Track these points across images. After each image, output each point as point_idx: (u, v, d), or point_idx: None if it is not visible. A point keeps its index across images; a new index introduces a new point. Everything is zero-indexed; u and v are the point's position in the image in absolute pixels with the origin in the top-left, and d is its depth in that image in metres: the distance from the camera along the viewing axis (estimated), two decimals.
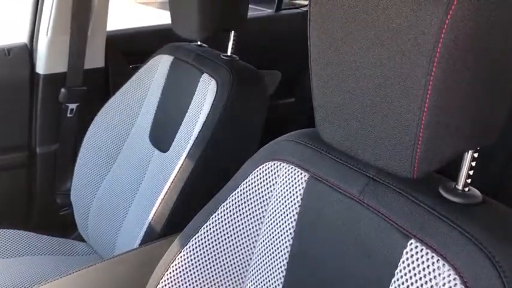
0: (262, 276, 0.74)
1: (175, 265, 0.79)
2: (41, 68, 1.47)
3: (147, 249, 0.98)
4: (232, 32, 1.21)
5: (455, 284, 0.55)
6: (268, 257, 0.74)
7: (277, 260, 0.73)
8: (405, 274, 0.59)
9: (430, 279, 0.57)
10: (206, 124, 1.08)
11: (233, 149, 1.12)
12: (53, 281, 0.92)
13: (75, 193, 1.36)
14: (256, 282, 0.74)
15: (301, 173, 0.71)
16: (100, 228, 1.30)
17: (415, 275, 0.58)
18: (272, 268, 0.73)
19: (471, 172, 0.62)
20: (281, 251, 0.72)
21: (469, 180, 0.62)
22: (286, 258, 0.71)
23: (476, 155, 0.61)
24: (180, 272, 0.79)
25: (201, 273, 0.78)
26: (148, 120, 1.27)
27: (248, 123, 1.15)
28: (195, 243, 0.79)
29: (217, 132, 1.08)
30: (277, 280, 0.72)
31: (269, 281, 0.73)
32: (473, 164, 0.61)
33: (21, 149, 1.50)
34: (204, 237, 0.79)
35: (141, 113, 1.30)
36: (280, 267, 0.72)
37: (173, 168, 1.10)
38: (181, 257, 0.79)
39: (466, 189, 0.62)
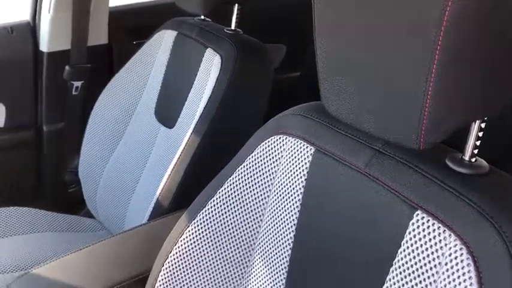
0: (270, 248, 0.74)
1: (184, 239, 0.80)
2: (44, 45, 1.47)
3: (155, 224, 0.98)
4: (236, 5, 1.19)
5: (462, 254, 0.55)
6: (275, 229, 0.75)
7: (284, 232, 0.73)
8: (411, 245, 0.59)
9: (437, 250, 0.57)
10: (211, 99, 1.08)
11: (239, 123, 1.12)
12: (62, 257, 0.93)
13: (83, 170, 1.36)
14: (264, 254, 0.75)
15: (307, 147, 0.71)
16: (108, 204, 1.32)
17: (421, 245, 0.59)
18: (280, 240, 0.73)
19: (478, 143, 0.61)
20: (288, 223, 0.73)
21: (475, 151, 0.61)
22: (293, 230, 0.72)
23: (483, 125, 0.61)
24: (188, 246, 0.80)
25: (209, 246, 0.79)
26: (154, 96, 1.27)
27: (253, 97, 1.14)
28: (203, 217, 0.79)
29: (223, 107, 1.07)
30: (285, 252, 0.72)
31: (277, 253, 0.73)
32: (480, 134, 0.61)
33: (28, 127, 1.51)
34: (212, 212, 0.79)
35: (146, 89, 1.29)
36: (288, 239, 0.72)
37: (180, 144, 1.10)
38: (189, 231, 0.80)
39: (473, 159, 0.61)
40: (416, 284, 0.58)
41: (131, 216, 1.22)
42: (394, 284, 0.60)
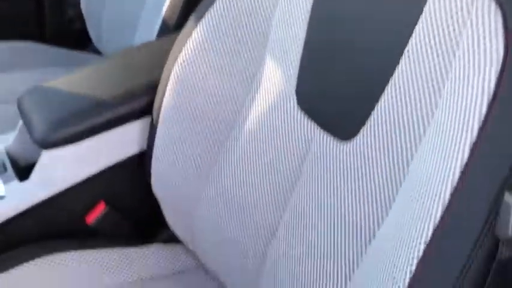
0: (282, 45, 0.73)
1: (193, 39, 0.79)
2: None
3: (164, 39, 0.97)
4: None
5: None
6: (287, 26, 0.73)
7: (296, 26, 0.71)
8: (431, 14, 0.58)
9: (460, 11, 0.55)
10: None
11: None
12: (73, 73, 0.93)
13: (84, 4, 1.33)
14: (274, 51, 0.74)
15: None
16: (114, 38, 1.29)
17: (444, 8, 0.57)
18: (291, 36, 0.72)
19: None
20: (300, 17, 0.71)
21: None
22: (305, 24, 0.70)
23: None
24: (197, 45, 0.79)
25: (219, 47, 0.78)
26: None
27: None
28: (212, 15, 0.77)
29: None
30: (297, 47, 0.71)
31: (288, 49, 0.72)
32: None
33: None
34: (220, 9, 0.77)
35: None
36: (299, 33, 0.71)
37: None
38: (198, 31, 0.78)
39: None
40: (438, 49, 0.57)
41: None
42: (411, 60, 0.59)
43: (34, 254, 0.84)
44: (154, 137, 0.85)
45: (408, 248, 0.54)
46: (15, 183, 0.85)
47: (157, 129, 0.84)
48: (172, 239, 0.93)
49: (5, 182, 0.85)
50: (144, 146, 0.89)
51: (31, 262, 0.83)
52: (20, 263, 0.83)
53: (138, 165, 0.90)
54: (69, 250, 0.85)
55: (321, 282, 0.66)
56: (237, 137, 0.78)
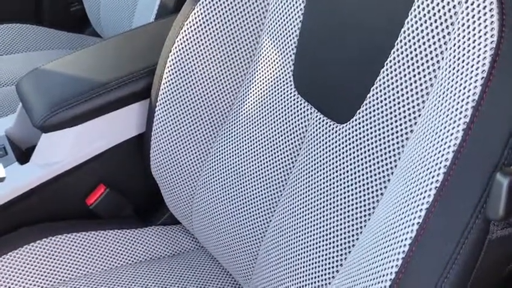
0: (279, 28, 0.73)
1: (190, 22, 0.79)
2: None
3: (162, 21, 0.97)
4: None
5: None
6: (284, 10, 0.73)
7: (293, 10, 0.72)
8: None
9: None
10: None
11: None
12: (73, 54, 0.93)
13: None
14: (273, 34, 0.74)
15: None
16: (113, 21, 1.29)
17: None
18: (288, 20, 0.72)
19: None
20: (297, 1, 0.71)
21: None
22: (302, 8, 0.70)
23: None
24: (194, 29, 0.79)
25: (216, 29, 0.78)
26: None
27: None
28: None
29: None
30: (294, 31, 0.71)
31: (286, 32, 0.73)
32: None
33: None
34: None
35: None
36: (296, 17, 0.71)
37: None
38: (195, 13, 0.79)
39: None
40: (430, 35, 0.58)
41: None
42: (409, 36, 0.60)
43: (35, 236, 0.85)
44: (152, 120, 0.85)
45: (401, 229, 0.55)
46: (16, 166, 0.86)
47: (156, 111, 0.85)
48: (171, 220, 0.94)
49: (6, 164, 0.85)
50: (143, 129, 0.89)
51: (32, 244, 0.84)
52: (21, 245, 0.84)
53: (137, 147, 0.91)
54: (70, 232, 0.86)
55: (317, 260, 0.67)
56: (234, 120, 0.79)
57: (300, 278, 0.69)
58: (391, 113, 0.61)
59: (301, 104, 0.71)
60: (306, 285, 0.68)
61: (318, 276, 0.67)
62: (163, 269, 0.88)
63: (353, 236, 0.64)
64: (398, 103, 0.60)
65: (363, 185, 0.63)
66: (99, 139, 0.88)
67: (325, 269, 0.66)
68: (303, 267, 0.69)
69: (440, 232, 0.52)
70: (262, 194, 0.75)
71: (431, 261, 0.53)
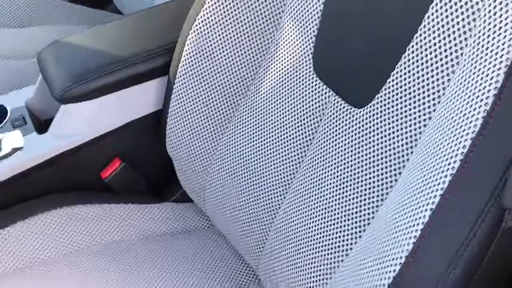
0: (301, 10, 0.73)
1: (211, 0, 0.79)
2: None
3: (181, 1, 0.97)
4: None
5: None
6: None
7: None
8: None
9: None
10: None
11: None
12: (93, 28, 0.94)
13: None
14: (294, 16, 0.74)
15: None
16: None
17: None
18: (309, 1, 0.72)
19: None
20: None
21: None
22: None
23: None
24: (217, 6, 0.79)
25: (238, 8, 0.78)
26: None
27: None
28: None
29: None
30: (315, 13, 0.71)
31: (307, 14, 0.72)
32: None
33: None
34: None
35: None
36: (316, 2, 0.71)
37: None
38: None
39: None
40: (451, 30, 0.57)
41: None
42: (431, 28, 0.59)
43: (49, 205, 0.86)
44: (170, 97, 0.86)
45: (413, 215, 0.55)
46: (34, 136, 0.87)
47: (174, 89, 0.85)
48: (184, 198, 0.95)
49: (24, 134, 0.87)
50: (160, 106, 0.90)
51: (46, 213, 0.86)
52: (35, 214, 0.86)
53: (154, 124, 0.91)
54: (83, 203, 0.87)
55: (329, 242, 0.67)
56: (252, 98, 0.79)
57: (313, 256, 0.69)
58: (410, 98, 0.61)
59: (319, 87, 0.71)
60: (316, 265, 0.68)
61: (329, 258, 0.67)
62: (173, 245, 0.89)
63: (364, 221, 0.64)
64: (418, 89, 0.60)
65: (377, 170, 0.63)
66: (117, 114, 0.88)
67: (335, 253, 0.67)
68: (314, 248, 0.69)
69: (453, 219, 0.52)
70: (277, 173, 0.75)
71: (442, 247, 0.53)
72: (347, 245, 0.65)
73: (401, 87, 0.61)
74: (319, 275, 0.69)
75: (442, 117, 0.56)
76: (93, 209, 0.88)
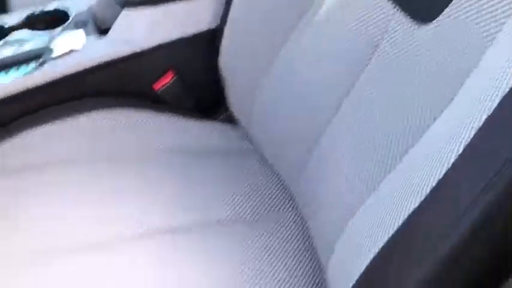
0: None
1: None
2: None
3: None
4: None
5: None
6: None
7: None
8: None
9: None
10: None
11: None
12: None
13: None
14: None
15: None
16: None
17: None
18: None
19: None
20: None
21: None
22: None
23: None
24: None
25: None
26: None
27: None
28: None
29: None
30: None
31: None
32: None
33: None
34: None
35: None
36: None
37: None
38: None
39: None
40: None
41: None
42: None
43: (98, 105, 0.89)
44: (227, 15, 0.86)
45: (458, 131, 0.54)
46: (94, 37, 0.89)
47: (231, 7, 0.85)
48: (231, 120, 0.96)
49: (85, 35, 0.90)
50: (217, 23, 0.90)
51: (94, 111, 0.88)
52: (82, 113, 0.87)
53: (209, 42, 0.92)
54: (136, 108, 0.89)
55: (368, 166, 0.67)
56: (310, 17, 0.78)
57: (353, 178, 0.69)
58: (477, 18, 0.58)
59: (384, 3, 0.69)
60: (356, 188, 0.68)
61: (370, 180, 0.67)
62: (211, 163, 0.89)
63: (412, 143, 0.63)
64: (486, 10, 0.58)
65: (434, 91, 0.61)
66: (175, 25, 0.90)
67: (376, 173, 0.66)
68: (356, 170, 0.68)
69: (481, 158, 0.51)
70: (331, 88, 0.74)
71: (466, 186, 0.52)
72: (393, 163, 0.64)
73: (470, 4, 0.59)
74: (358, 197, 0.68)
75: (496, 52, 0.55)
76: (138, 115, 0.89)
